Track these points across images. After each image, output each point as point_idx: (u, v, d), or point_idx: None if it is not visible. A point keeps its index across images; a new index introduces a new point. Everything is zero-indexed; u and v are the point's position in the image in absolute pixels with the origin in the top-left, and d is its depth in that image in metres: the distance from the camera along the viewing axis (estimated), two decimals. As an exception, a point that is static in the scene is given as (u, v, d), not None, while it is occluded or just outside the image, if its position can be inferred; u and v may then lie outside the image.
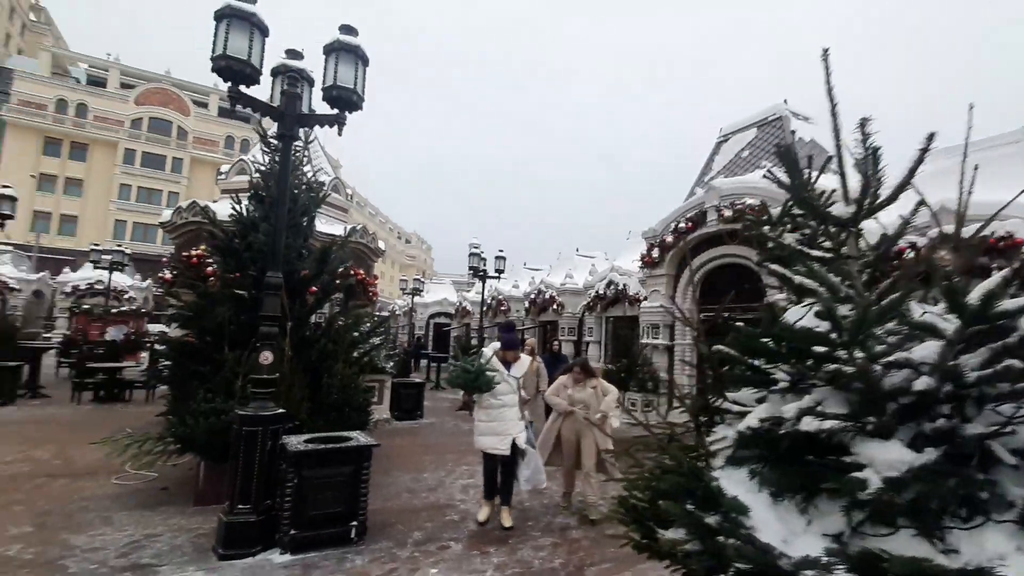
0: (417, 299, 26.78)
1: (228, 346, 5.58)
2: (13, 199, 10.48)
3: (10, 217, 10.50)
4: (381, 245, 14.02)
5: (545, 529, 4.91)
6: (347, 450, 4.26)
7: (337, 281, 6.72)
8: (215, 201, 13.98)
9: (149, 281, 28.49)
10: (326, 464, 4.15)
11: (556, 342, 9.76)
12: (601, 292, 14.23)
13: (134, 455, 4.87)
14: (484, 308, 17.74)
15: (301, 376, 5.45)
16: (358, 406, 5.89)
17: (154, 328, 21.54)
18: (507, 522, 4.87)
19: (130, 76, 50.88)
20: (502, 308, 21.32)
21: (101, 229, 43.05)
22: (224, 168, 15.85)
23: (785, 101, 10.61)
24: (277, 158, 6.56)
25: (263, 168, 6.64)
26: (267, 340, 4.18)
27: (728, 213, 9.70)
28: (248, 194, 6.73)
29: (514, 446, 4.85)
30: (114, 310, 19.33)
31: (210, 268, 13.74)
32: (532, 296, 18.88)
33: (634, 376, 11.66)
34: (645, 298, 12.82)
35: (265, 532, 4.02)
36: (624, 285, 13.42)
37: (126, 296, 25.21)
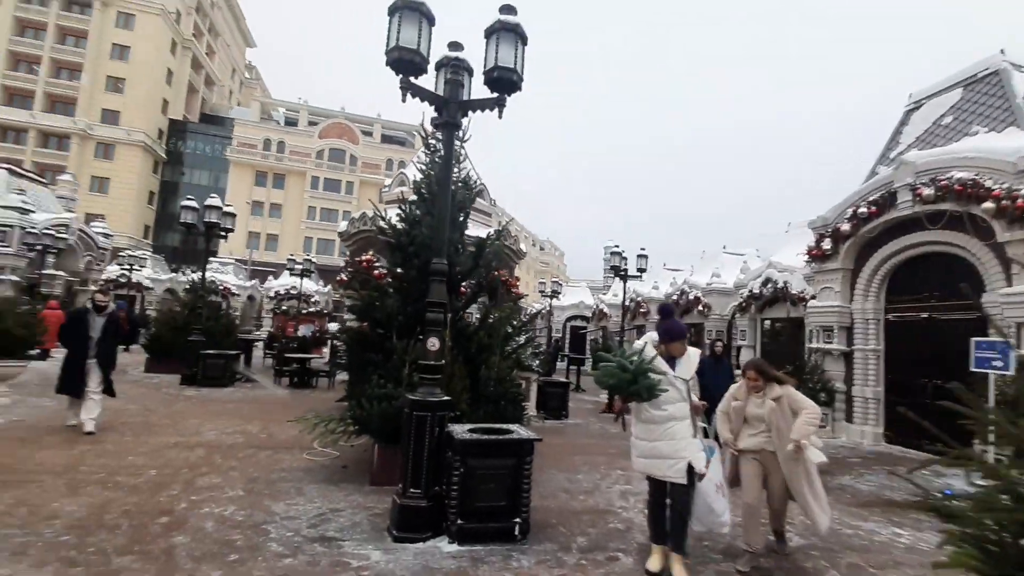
0: (554, 302, 26.84)
1: (396, 335, 5.86)
2: (233, 215, 12.64)
3: (231, 231, 12.66)
4: (523, 247, 14.16)
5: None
6: (510, 442, 4.09)
7: (488, 278, 6.75)
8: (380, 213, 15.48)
9: (329, 287, 32.74)
10: (490, 455, 4.03)
11: (718, 342, 8.63)
12: (756, 291, 12.65)
13: (320, 434, 5.31)
14: (624, 310, 16.96)
15: (461, 367, 5.49)
16: (513, 399, 5.77)
17: (332, 327, 24.52)
18: None
19: (315, 115, 59.62)
20: (641, 310, 20.27)
21: (295, 245, 50.79)
22: (385, 189, 17.50)
23: (1002, 51, 8.25)
24: (438, 156, 6.82)
25: (424, 168, 6.93)
26: (433, 327, 4.20)
27: (929, 192, 7.80)
28: (412, 197, 7.07)
29: (690, 471, 3.57)
30: (304, 311, 22.49)
31: (377, 272, 15.29)
32: (674, 297, 17.60)
33: (802, 386, 10.02)
34: (813, 296, 11.06)
35: (434, 518, 4.01)
36: (785, 283, 11.71)
37: (312, 299, 29.22)
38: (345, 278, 16.42)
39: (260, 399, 10.73)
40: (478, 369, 5.62)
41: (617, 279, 27.09)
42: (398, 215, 6.79)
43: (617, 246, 14.27)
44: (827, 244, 10.43)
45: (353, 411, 5.27)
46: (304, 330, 21.75)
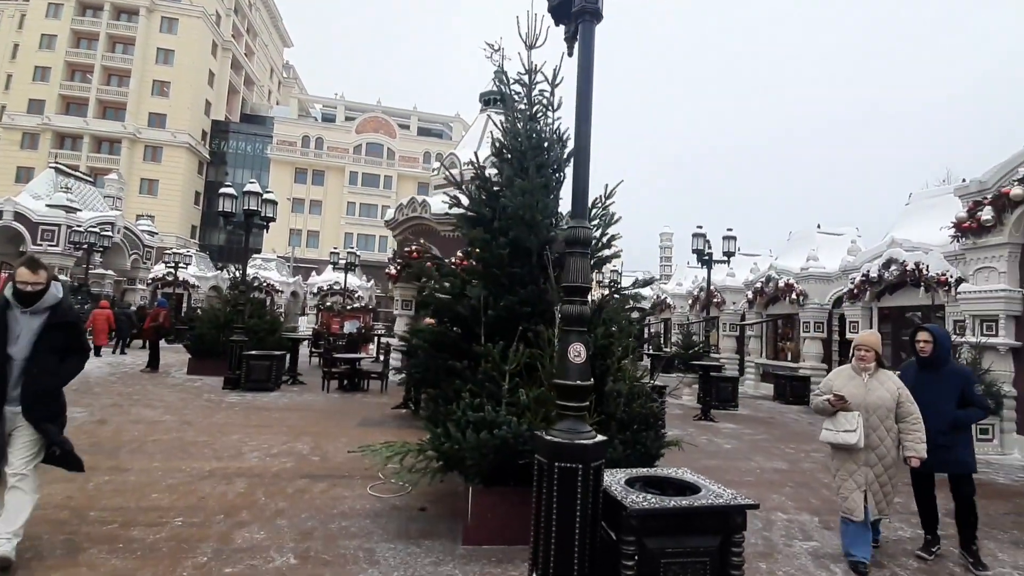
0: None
1: (484, 336, 4.41)
2: (274, 203, 11.53)
3: (272, 220, 11.57)
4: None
5: None
6: (712, 511, 2.55)
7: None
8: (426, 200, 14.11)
9: (372, 282, 31.95)
10: (681, 530, 2.50)
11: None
12: (875, 275, 10.59)
13: (395, 473, 3.92)
14: (699, 301, 15.09)
15: None
16: (650, 423, 4.22)
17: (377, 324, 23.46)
18: None
19: (352, 109, 59.27)
20: (715, 300, 18.27)
21: (335, 240, 50.68)
22: (433, 174, 16.16)
23: None
24: (522, 107, 5.31)
25: (512, 120, 5.42)
26: (576, 326, 2.70)
27: None
28: (488, 161, 5.58)
29: None
30: (349, 307, 21.54)
31: (458, 259, 13.97)
32: (758, 285, 15.58)
33: None
34: (961, 280, 9.03)
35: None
36: (917, 264, 9.63)
37: (356, 295, 28.42)
38: (394, 272, 15.23)
39: (309, 406, 9.57)
40: (603, 380, 4.09)
41: (680, 266, 24.92)
42: (473, 178, 5.33)
43: (700, 227, 12.44)
44: (986, 214, 8.38)
45: (437, 441, 3.84)
46: (350, 327, 20.86)
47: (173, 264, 24.20)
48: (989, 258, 8.52)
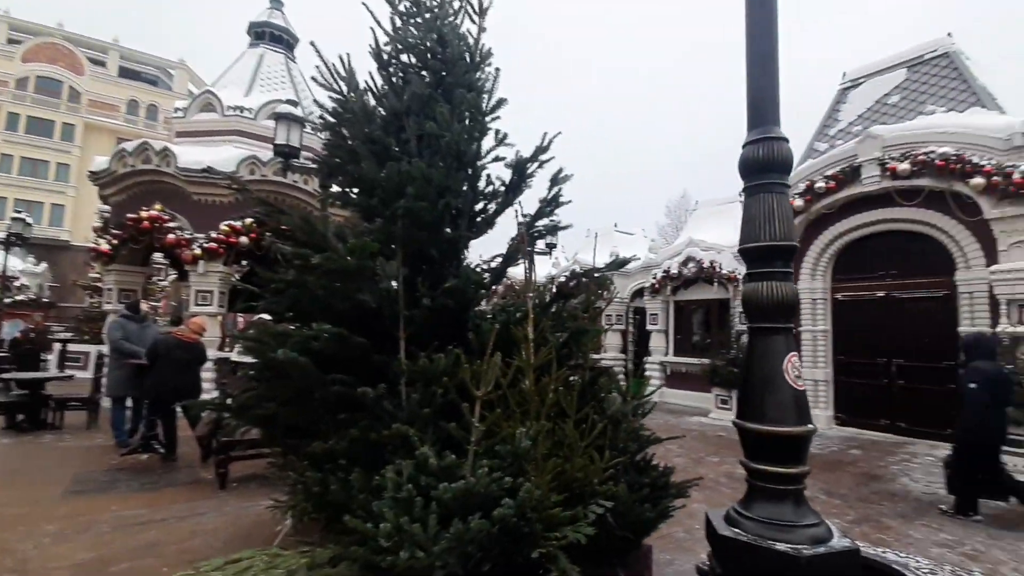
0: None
1: (409, 343, 2.67)
2: None
3: None
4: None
5: None
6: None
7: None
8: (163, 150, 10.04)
9: (45, 265, 22.82)
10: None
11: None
12: (674, 271, 12.01)
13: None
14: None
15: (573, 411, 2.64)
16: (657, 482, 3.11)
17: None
18: None
19: (18, 30, 42.04)
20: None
21: (-31, 205, 35.09)
22: (176, 115, 11.81)
23: (949, 34, 8.82)
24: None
25: (404, 16, 3.61)
26: (775, 319, 1.44)
27: (905, 166, 7.72)
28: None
29: None
30: (9, 300, 14.45)
31: (172, 236, 10.00)
32: (562, 278, 16.40)
33: (731, 366, 9.40)
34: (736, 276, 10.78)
35: None
36: (712, 262, 11.23)
37: (16, 283, 19.67)
38: (107, 248, 10.48)
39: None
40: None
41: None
42: (357, 99, 3.38)
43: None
44: None
45: (367, 546, 1.99)
46: (9, 329, 14.36)
47: None
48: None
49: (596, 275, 3.59)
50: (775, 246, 1.56)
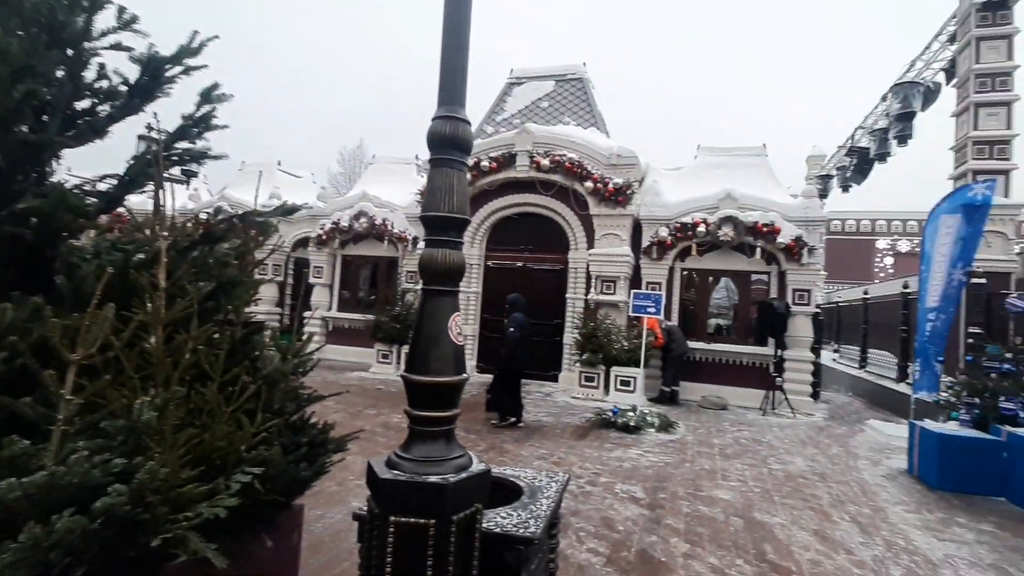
0: None
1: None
2: None
3: None
4: None
5: None
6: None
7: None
8: None
9: None
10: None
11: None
12: (344, 224, 11.76)
13: None
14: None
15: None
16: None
17: None
18: None
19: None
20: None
21: None
22: None
23: (584, 64, 11.19)
24: None
25: None
26: (444, 282, 1.48)
27: (546, 163, 9.60)
28: None
29: None
30: None
31: None
32: (204, 214, 13.77)
33: (394, 322, 10.07)
34: (417, 239, 11.45)
35: None
36: (384, 220, 11.45)
37: None
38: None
39: None
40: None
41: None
42: None
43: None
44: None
45: None
46: None
47: None
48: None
49: (259, 219, 3.10)
50: (452, 218, 1.65)
